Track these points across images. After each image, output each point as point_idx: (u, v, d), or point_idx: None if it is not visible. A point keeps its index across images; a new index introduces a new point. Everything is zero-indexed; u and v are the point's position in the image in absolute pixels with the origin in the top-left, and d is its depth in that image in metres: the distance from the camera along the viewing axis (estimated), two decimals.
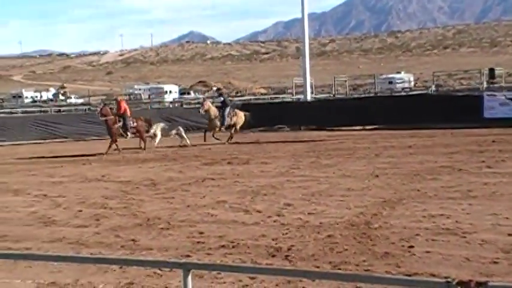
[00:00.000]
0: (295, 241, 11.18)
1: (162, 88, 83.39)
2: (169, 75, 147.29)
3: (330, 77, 57.31)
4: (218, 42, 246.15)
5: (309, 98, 41.37)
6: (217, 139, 29.94)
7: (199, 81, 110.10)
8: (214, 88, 48.14)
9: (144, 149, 27.92)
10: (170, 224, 13.04)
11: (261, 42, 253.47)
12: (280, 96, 59.71)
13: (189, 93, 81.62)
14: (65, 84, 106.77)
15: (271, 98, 59.14)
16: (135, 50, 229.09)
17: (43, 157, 26.62)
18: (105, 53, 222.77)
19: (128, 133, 27.71)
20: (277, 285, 8.76)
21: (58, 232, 12.75)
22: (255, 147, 28.45)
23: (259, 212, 13.84)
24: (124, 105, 28.40)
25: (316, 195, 15.43)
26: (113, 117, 27.47)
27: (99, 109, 29.18)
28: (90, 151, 28.47)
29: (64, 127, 36.47)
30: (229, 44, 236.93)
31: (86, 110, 49.90)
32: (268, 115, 38.14)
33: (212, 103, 31.27)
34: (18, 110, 50.34)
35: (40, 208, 15.46)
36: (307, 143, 29.03)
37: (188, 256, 10.43)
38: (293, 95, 51.43)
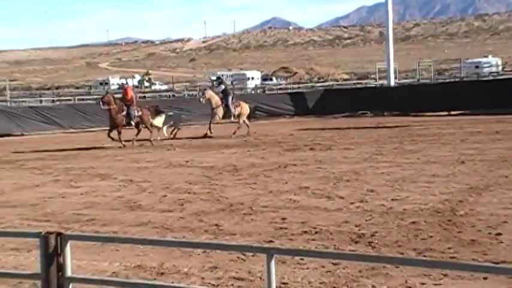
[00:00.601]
0: (378, 227, 11.07)
1: (245, 74, 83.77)
2: (251, 62, 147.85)
3: (414, 62, 56.43)
4: (300, 28, 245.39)
5: (392, 83, 40.82)
6: (210, 129, 28.61)
7: (282, 68, 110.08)
8: (214, 78, 45.73)
9: (151, 140, 26.49)
10: (253, 209, 13.10)
11: (344, 27, 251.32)
12: (363, 81, 59.13)
13: (271, 79, 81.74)
14: (149, 71, 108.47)
15: (353, 83, 58.63)
16: (218, 36, 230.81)
17: (128, 141, 27.13)
18: (189, 40, 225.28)
19: (132, 122, 26.38)
20: (360, 271, 8.69)
21: (143, 216, 12.99)
22: (337, 133, 28.26)
23: (341, 198, 13.75)
24: (131, 93, 27.25)
25: (399, 182, 15.23)
26: (116, 106, 25.99)
27: (101, 96, 28.10)
28: (173, 136, 28.83)
29: None
30: (311, 29, 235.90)
31: (169, 96, 50.55)
32: (351, 101, 37.85)
33: (216, 93, 29.57)
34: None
35: (126, 193, 15.77)
36: (391, 129, 28.66)
37: (271, 242, 10.45)
38: (376, 81, 50.85)
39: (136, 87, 76.96)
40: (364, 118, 36.17)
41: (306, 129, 30.20)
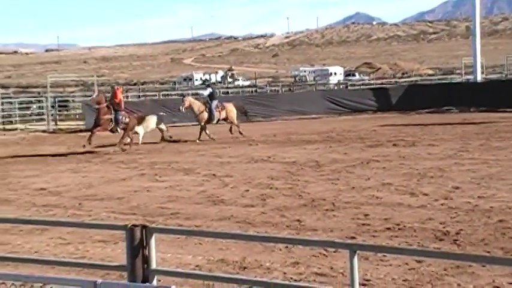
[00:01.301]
0: (464, 225, 10.85)
1: (327, 70, 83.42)
2: (334, 57, 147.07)
3: (502, 57, 54.89)
4: (384, 23, 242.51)
5: (479, 78, 39.88)
6: (207, 134, 27.33)
7: (365, 63, 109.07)
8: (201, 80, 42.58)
9: (120, 145, 24.63)
10: (335, 205, 13.04)
11: (429, 22, 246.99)
12: (448, 77, 57.97)
13: (354, 75, 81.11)
14: (232, 67, 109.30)
15: (438, 79, 57.55)
16: (301, 32, 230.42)
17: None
18: (272, 35, 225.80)
19: (118, 128, 24.68)
20: (445, 269, 8.53)
21: (226, 211, 13.11)
22: (421, 129, 27.82)
23: (426, 195, 13.54)
24: (120, 96, 25.71)
25: (486, 179, 14.88)
26: (105, 105, 24.47)
27: (94, 95, 27.05)
28: (255, 132, 28.96)
29: None
30: (395, 24, 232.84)
31: (252, 91, 50.82)
32: (436, 96, 37.18)
33: (198, 99, 28.37)
34: (188, 92, 52.10)
35: (209, 187, 15.94)
36: (477, 125, 28.01)
37: (353, 238, 10.39)
38: (462, 76, 49.77)
39: (219, 82, 77.66)
40: (449, 114, 35.47)
41: (389, 125, 29.84)
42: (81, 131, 33.58)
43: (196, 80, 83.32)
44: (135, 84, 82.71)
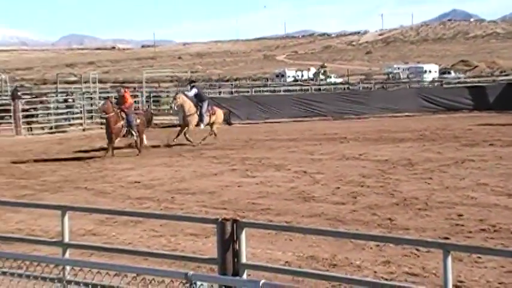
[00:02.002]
0: None
1: (422, 68, 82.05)
2: (429, 55, 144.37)
3: None
4: (482, 20, 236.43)
5: None
6: (189, 140, 25.10)
7: (461, 61, 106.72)
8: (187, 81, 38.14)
9: (139, 150, 23.28)
10: (428, 204, 12.80)
11: None
12: None
13: (449, 73, 79.49)
14: (325, 64, 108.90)
15: None
16: (395, 29, 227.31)
17: (303, 135, 27.38)
18: (365, 32, 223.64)
19: (133, 132, 23.17)
20: None
21: (316, 208, 13.06)
22: None
23: None
24: (130, 99, 24.34)
25: None
26: (114, 114, 22.87)
27: (100, 104, 24.59)
28: (347, 130, 28.77)
29: (323, 105, 37.16)
30: (494, 21, 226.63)
31: (344, 88, 50.51)
32: None
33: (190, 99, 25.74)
34: (280, 88, 52.25)
35: (299, 184, 15.93)
36: None
37: (446, 238, 10.16)
38: None
39: (312, 79, 77.51)
40: None
41: (486, 125, 29.05)
42: (174, 125, 34.14)
43: (289, 76, 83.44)
44: (227, 81, 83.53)
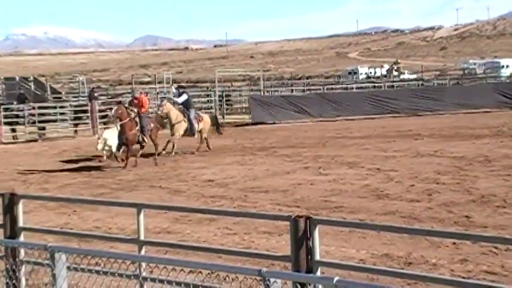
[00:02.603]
0: None
1: (499, 63, 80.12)
2: (507, 49, 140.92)
3: None
4: None
5: None
6: (168, 152, 23.07)
7: None
8: (174, 86, 34.29)
9: (156, 156, 21.69)
10: (506, 202, 12.51)
11: None
12: None
13: None
14: (398, 60, 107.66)
15: None
16: (471, 24, 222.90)
17: (376, 132, 27.13)
18: (440, 28, 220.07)
19: (145, 138, 21.63)
20: None
21: (390, 205, 12.91)
22: None
23: None
24: (146, 103, 22.64)
25: None
26: (129, 120, 21.19)
27: (113, 110, 22.24)
28: (421, 126, 28.33)
29: (397, 102, 36.72)
30: None
31: (418, 85, 49.78)
32: None
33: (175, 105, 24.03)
34: (353, 86, 51.88)
35: (373, 181, 15.78)
36: None
37: None
38: None
39: (385, 76, 76.68)
40: None
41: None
42: (247, 124, 34.32)
43: (361, 73, 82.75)
44: (299, 79, 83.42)
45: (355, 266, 6.68)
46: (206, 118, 24.88)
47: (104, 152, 21.74)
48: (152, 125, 21.97)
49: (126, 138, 20.96)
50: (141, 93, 23.48)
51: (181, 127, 23.52)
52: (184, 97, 24.43)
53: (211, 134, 24.78)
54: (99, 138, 21.91)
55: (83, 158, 23.11)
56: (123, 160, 21.11)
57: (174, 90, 26.88)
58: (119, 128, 21.20)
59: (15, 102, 33.30)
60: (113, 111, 22.22)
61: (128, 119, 21.14)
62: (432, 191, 14.09)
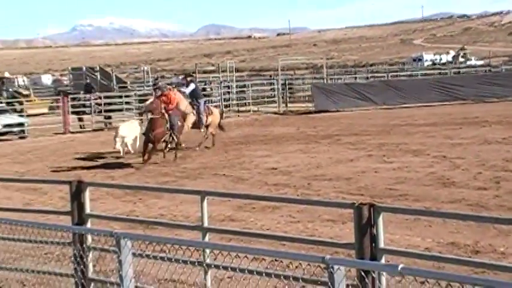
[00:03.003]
0: None
1: None
2: None
3: None
4: None
5: None
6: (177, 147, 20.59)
7: None
8: (181, 77, 30.93)
9: (176, 155, 20.23)
10: None
11: None
12: None
13: None
14: (465, 46, 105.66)
15: None
16: None
17: (442, 119, 26.70)
18: (508, 12, 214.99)
19: (174, 137, 20.06)
20: None
21: (457, 193, 12.71)
22: None
23: None
24: (175, 98, 20.59)
25: None
26: (160, 116, 19.62)
27: (148, 102, 21.05)
28: (488, 113, 27.75)
29: (463, 89, 36.03)
30: None
31: (486, 71, 48.79)
32: None
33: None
34: (418, 72, 51.19)
35: (439, 169, 15.55)
36: None
37: None
38: None
39: (450, 62, 75.45)
40: None
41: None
42: (310, 112, 34.21)
43: (426, 60, 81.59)
44: (363, 66, 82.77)
45: (421, 254, 6.59)
46: (216, 112, 23.36)
47: (120, 148, 20.93)
48: (179, 123, 20.38)
49: (154, 135, 19.38)
50: (169, 89, 21.79)
51: (190, 120, 21.61)
52: (191, 87, 22.74)
53: (217, 130, 22.97)
54: (116, 137, 20.82)
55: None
56: (144, 156, 19.40)
57: (179, 80, 24.65)
58: (146, 120, 20.16)
59: (82, 92, 33.96)
60: (147, 102, 21.25)
61: (160, 114, 19.56)
62: (500, 178, 13.80)
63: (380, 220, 5.89)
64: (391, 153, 18.52)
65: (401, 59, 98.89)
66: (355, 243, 6.00)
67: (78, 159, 21.41)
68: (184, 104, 21.40)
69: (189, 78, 24.22)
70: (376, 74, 49.83)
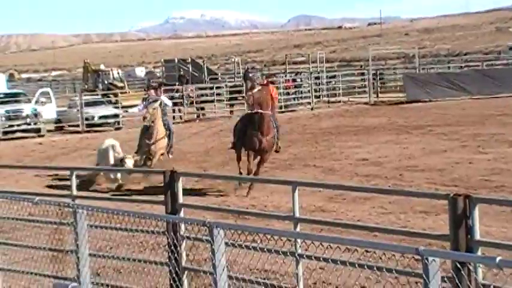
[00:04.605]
0: None
1: None
2: None
3: None
4: None
5: None
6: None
7: None
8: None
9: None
10: None
11: None
12: None
13: None
14: None
15: None
16: None
17: None
18: None
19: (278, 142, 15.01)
20: None
21: None
22: None
23: None
24: (276, 93, 16.23)
25: None
26: (270, 112, 14.55)
27: (255, 91, 14.53)
28: None
29: None
30: None
31: None
32: None
33: None
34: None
35: None
36: None
37: None
38: None
39: None
40: None
41: None
42: (401, 103, 33.73)
43: None
44: (457, 55, 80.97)
45: None
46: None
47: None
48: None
49: (266, 141, 14.29)
50: (267, 81, 17.52)
51: (163, 145, 16.80)
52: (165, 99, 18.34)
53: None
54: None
55: None
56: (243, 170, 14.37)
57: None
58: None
59: (177, 83, 34.46)
60: (254, 90, 14.54)
61: (269, 108, 14.52)
62: None
63: (476, 211, 5.76)
64: (486, 144, 18.07)
65: (497, 48, 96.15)
66: (450, 234, 5.89)
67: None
68: (160, 124, 16.71)
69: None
70: (470, 63, 48.63)
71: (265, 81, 16.55)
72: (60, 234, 8.04)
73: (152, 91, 18.04)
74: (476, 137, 19.44)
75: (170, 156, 17.28)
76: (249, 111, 15.10)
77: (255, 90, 14.44)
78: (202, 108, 33.24)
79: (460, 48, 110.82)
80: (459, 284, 4.89)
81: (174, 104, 32.33)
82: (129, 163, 15.07)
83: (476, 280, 5.60)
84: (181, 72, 38.88)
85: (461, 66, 45.87)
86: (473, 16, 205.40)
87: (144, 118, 16.45)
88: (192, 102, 32.77)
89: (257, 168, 14.12)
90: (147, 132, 16.59)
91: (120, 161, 15.20)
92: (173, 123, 29.95)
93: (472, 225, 5.75)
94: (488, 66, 44.65)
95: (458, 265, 4.90)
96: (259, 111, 14.06)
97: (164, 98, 18.04)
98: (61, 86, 63.10)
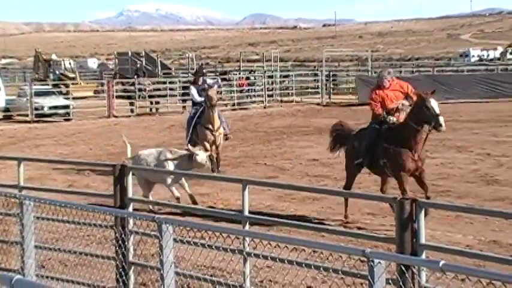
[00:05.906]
0: None
1: None
2: None
3: None
4: None
5: None
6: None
7: None
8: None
9: None
10: None
11: None
12: None
13: None
14: None
15: None
16: None
17: (488, 116, 26.32)
18: None
19: None
20: None
21: (500, 191, 12.56)
22: None
23: None
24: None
25: None
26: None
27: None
28: None
29: (510, 86, 35.49)
30: None
31: None
32: None
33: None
34: (464, 68, 50.51)
35: (482, 166, 15.37)
36: None
37: None
38: None
39: (498, 59, 74.35)
40: None
41: None
42: (353, 105, 34.01)
43: (473, 56, 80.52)
44: (409, 60, 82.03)
45: (462, 251, 6.52)
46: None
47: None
48: None
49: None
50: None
51: (222, 131, 15.83)
52: (206, 82, 16.73)
53: None
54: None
55: None
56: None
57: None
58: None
59: (135, 77, 34.11)
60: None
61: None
62: None
63: (422, 215, 5.85)
64: (435, 149, 18.28)
65: (448, 54, 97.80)
66: (396, 237, 5.97)
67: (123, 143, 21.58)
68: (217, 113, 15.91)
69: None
70: (421, 69, 49.31)
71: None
72: (5, 225, 7.93)
73: (200, 78, 16.68)
74: (426, 142, 19.66)
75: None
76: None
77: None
78: (158, 103, 33.04)
79: (412, 53, 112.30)
80: (403, 286, 4.96)
81: (129, 98, 32.13)
82: (203, 156, 12.11)
83: (419, 283, 5.70)
84: (139, 65, 38.66)
85: (412, 71, 46.49)
86: (426, 22, 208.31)
87: (211, 100, 15.01)
88: (145, 97, 32.54)
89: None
90: (199, 120, 15.35)
91: (188, 158, 12.05)
92: (122, 116, 29.82)
93: (417, 229, 5.85)
94: (439, 72, 45.35)
95: (403, 268, 4.98)
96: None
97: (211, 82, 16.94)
98: (10, 74, 62.03)
